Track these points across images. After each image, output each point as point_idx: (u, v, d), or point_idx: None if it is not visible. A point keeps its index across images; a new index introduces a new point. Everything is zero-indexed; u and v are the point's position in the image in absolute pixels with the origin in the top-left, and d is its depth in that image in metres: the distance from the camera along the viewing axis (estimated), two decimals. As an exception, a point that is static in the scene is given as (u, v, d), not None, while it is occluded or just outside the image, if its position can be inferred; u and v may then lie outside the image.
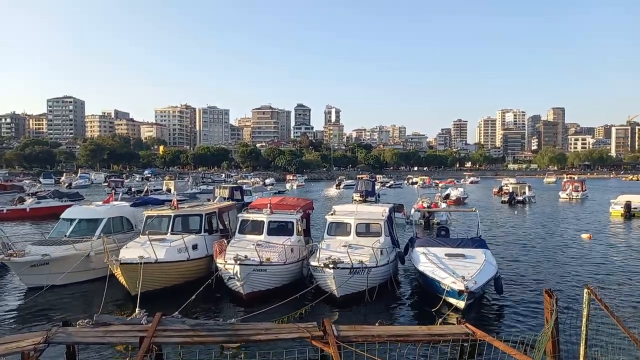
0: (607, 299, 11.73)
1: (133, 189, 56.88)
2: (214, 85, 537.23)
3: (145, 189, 55.51)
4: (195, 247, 15.60)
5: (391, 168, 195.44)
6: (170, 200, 20.93)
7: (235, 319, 10.12)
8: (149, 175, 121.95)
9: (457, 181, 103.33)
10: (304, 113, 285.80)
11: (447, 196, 50.70)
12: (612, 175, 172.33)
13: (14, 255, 14.67)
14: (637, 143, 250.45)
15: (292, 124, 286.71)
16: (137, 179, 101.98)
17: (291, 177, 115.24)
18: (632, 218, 36.27)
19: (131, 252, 14.17)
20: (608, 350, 7.61)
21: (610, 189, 77.96)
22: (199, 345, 8.58)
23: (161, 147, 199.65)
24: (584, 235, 27.06)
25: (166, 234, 16.19)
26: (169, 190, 55.96)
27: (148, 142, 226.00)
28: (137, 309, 9.88)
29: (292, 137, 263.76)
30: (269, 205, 17.44)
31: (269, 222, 16.46)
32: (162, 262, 13.95)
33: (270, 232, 16.20)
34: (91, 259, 15.62)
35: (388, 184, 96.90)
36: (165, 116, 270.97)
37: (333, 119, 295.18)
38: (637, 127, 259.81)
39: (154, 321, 8.63)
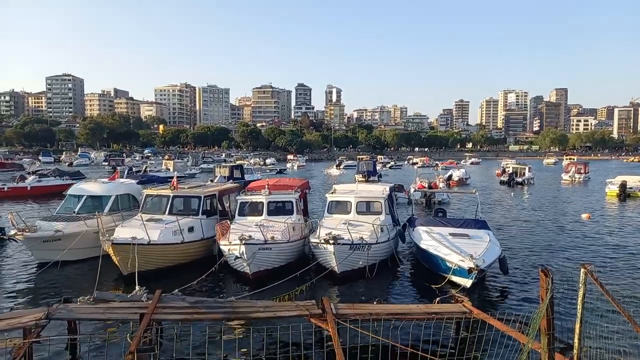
0: (604, 278, 11.85)
1: (134, 169, 56.83)
2: (214, 64, 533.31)
3: (144, 168, 55.51)
4: (191, 229, 15.51)
5: (392, 149, 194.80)
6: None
7: (234, 297, 10.21)
8: (149, 154, 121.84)
9: (458, 162, 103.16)
10: (305, 93, 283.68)
11: (450, 177, 50.86)
12: (613, 157, 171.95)
13: (26, 230, 14.73)
14: (639, 125, 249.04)
15: (293, 103, 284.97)
16: (137, 158, 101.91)
17: (292, 157, 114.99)
18: (627, 198, 36.44)
19: (125, 231, 14.15)
20: (603, 330, 7.69)
21: (611, 170, 77.81)
22: (198, 322, 8.68)
23: (161, 126, 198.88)
24: (584, 215, 27.21)
25: (164, 214, 16.10)
26: (168, 170, 55.92)
27: (148, 121, 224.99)
28: (137, 287, 9.96)
29: (292, 117, 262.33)
30: (266, 186, 17.49)
31: (269, 202, 16.55)
32: (154, 244, 13.91)
33: (270, 213, 16.32)
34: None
35: (389, 165, 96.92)
36: (165, 95, 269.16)
37: (334, 98, 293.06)
38: (639, 109, 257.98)
39: (154, 298, 8.72)
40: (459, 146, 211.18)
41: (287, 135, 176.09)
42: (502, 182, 52.10)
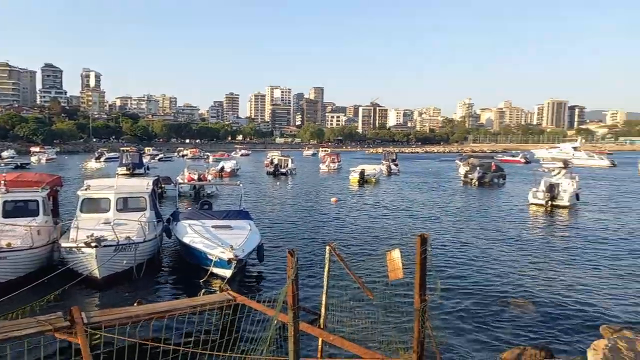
0: (345, 253, 13.82)
1: None
2: None
3: None
4: None
5: (161, 140, 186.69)
6: None
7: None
8: None
9: (229, 154, 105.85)
10: (55, 75, 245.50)
11: (222, 169, 51.73)
12: (359, 149, 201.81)
13: None
14: (377, 121, 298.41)
15: (39, 86, 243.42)
16: None
17: (38, 150, 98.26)
18: (365, 183, 43.49)
19: None
20: (344, 299, 8.92)
21: (357, 160, 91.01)
22: None
23: None
24: (332, 199, 31.30)
25: None
26: None
27: None
28: None
29: (38, 102, 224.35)
30: (2, 182, 14.65)
31: (5, 202, 13.96)
32: None
33: (8, 214, 13.84)
34: None
35: (158, 157, 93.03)
36: None
37: (92, 83, 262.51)
38: (377, 108, 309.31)
39: None
40: (230, 138, 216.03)
41: (31, 124, 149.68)
42: (268, 173, 55.49)
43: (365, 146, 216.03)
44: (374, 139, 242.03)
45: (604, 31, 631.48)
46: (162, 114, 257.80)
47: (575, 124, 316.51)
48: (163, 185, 29.90)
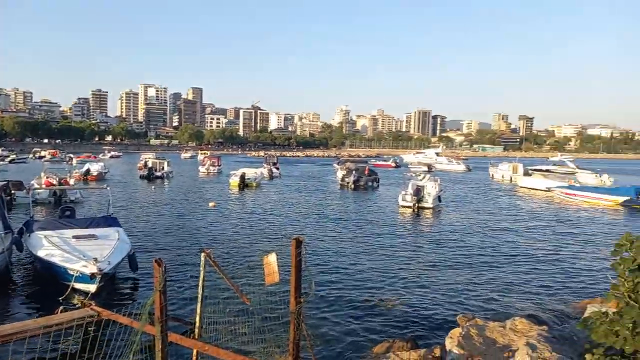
0: (221, 259, 13.52)
1: None
2: None
3: None
4: None
5: (13, 139, 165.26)
6: None
7: None
8: None
9: (97, 155, 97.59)
10: None
11: (88, 172, 47.54)
12: (240, 152, 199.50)
13: None
14: (258, 124, 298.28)
15: None
16: None
17: None
18: (246, 187, 43.27)
19: None
20: (220, 307, 8.69)
21: (238, 163, 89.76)
22: None
23: None
24: (211, 204, 30.49)
25: None
26: None
27: None
28: None
29: None
30: None
31: None
32: None
33: None
34: None
35: (9, 158, 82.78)
36: None
37: None
38: (259, 111, 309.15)
39: None
40: (97, 138, 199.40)
41: None
42: (142, 177, 52.24)
43: (247, 149, 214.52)
44: (255, 142, 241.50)
45: (459, 46, 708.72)
46: (15, 110, 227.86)
47: (438, 131, 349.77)
48: (13, 192, 26.35)
